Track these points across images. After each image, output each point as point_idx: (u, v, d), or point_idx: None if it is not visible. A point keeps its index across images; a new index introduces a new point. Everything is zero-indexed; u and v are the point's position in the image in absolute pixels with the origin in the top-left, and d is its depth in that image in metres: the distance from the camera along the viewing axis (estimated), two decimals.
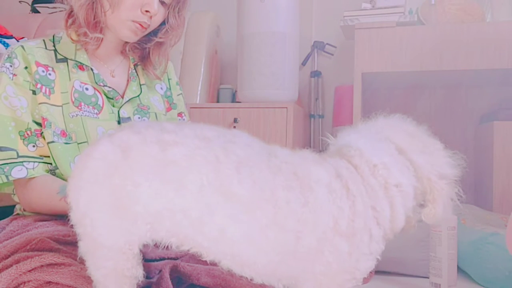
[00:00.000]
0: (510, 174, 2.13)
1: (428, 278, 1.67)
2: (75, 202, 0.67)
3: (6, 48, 2.00)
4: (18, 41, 2.12)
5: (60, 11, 0.93)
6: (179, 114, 1.21)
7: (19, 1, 3.18)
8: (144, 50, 1.12)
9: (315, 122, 2.79)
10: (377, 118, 0.78)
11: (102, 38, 1.05)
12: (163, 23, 1.06)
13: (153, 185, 0.63)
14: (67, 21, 1.04)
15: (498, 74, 2.24)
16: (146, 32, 1.05)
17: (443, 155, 0.74)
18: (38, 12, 3.07)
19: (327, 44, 2.78)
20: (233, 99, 2.73)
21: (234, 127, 2.33)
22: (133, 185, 0.63)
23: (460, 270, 1.74)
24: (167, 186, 0.63)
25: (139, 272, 0.70)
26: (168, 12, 1.05)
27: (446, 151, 0.75)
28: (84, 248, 0.69)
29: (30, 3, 3.10)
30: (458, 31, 2.17)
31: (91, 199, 0.65)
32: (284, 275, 0.67)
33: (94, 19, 1.00)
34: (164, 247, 0.67)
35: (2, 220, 1.02)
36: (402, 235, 0.74)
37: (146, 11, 0.99)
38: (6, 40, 2.07)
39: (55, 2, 1.06)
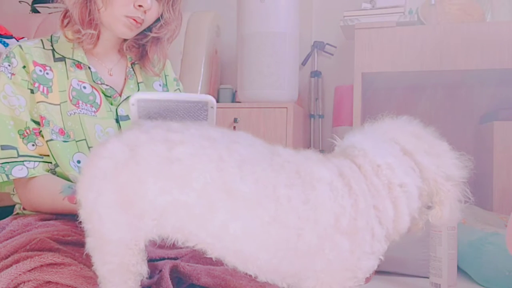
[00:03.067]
0: (510, 174, 2.13)
1: (428, 278, 1.67)
2: (84, 199, 0.68)
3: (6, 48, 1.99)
4: (18, 41, 2.12)
5: (60, 11, 0.93)
6: None
7: (19, 1, 3.18)
8: (141, 48, 1.12)
9: (315, 122, 2.79)
10: (383, 119, 0.78)
11: (99, 37, 1.05)
12: (158, 19, 1.07)
13: (158, 182, 0.64)
14: (62, 21, 1.05)
15: (498, 74, 2.24)
16: (142, 28, 1.05)
17: (450, 156, 0.73)
18: (38, 12, 3.06)
19: (327, 44, 2.78)
20: (233, 99, 2.73)
21: (234, 127, 2.33)
22: (139, 182, 0.65)
23: (460, 270, 1.74)
24: (172, 183, 0.64)
25: (144, 269, 0.71)
26: (163, 7, 1.05)
27: (452, 153, 0.74)
28: (91, 244, 0.70)
29: (30, 3, 3.10)
30: (458, 31, 2.17)
31: (99, 195, 0.67)
32: (287, 272, 0.68)
33: (88, 16, 1.01)
34: (171, 244, 0.68)
35: (2, 220, 1.02)
36: (408, 236, 0.74)
37: (139, 5, 0.99)
38: (6, 40, 2.07)
39: (55, 2, 1.06)
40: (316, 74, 2.77)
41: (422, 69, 2.20)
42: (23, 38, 2.22)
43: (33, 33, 2.71)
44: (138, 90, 1.11)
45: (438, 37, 2.18)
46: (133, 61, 1.13)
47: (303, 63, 2.78)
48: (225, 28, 2.84)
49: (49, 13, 2.93)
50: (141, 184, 0.65)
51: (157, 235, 0.68)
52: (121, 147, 0.67)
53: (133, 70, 1.13)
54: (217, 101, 2.74)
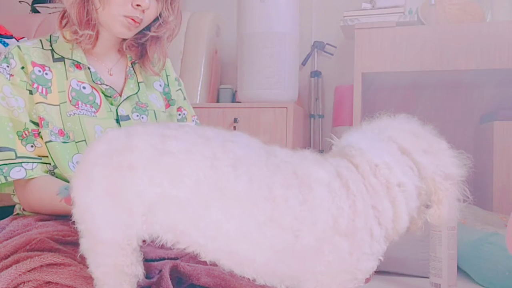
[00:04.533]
0: (510, 174, 2.13)
1: (428, 278, 1.67)
2: (76, 187, 0.68)
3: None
4: (18, 41, 2.12)
5: (60, 11, 0.92)
6: (178, 109, 1.20)
7: (19, 1, 3.18)
8: (141, 47, 1.11)
9: (315, 122, 2.79)
10: (381, 118, 0.77)
11: (98, 37, 1.04)
12: (157, 18, 1.06)
13: (147, 171, 0.64)
14: (61, 22, 1.04)
15: (498, 74, 2.24)
16: (140, 28, 1.04)
17: (448, 155, 0.73)
18: (38, 12, 3.07)
19: (327, 44, 2.78)
20: (233, 99, 2.73)
21: (234, 127, 2.33)
22: (129, 168, 0.64)
23: (460, 270, 1.74)
24: (162, 175, 0.64)
25: (139, 270, 0.70)
26: (161, 6, 1.05)
27: (451, 151, 0.74)
28: (85, 245, 0.69)
29: (30, 3, 3.10)
30: (458, 31, 2.17)
31: (90, 181, 0.66)
32: (285, 275, 0.67)
33: (86, 16, 1.00)
34: (163, 245, 0.67)
35: (2, 220, 1.02)
36: (406, 235, 0.73)
37: (137, 5, 0.99)
38: (6, 40, 2.07)
39: (55, 2, 1.06)
40: (316, 74, 2.77)
41: (422, 69, 2.20)
42: (23, 38, 2.22)
43: (33, 33, 2.72)
44: (139, 89, 1.11)
45: (438, 37, 2.18)
46: (133, 60, 1.13)
47: (303, 63, 2.78)
48: (225, 28, 2.84)
49: (49, 13, 2.93)
50: (131, 171, 0.64)
51: (148, 233, 0.67)
52: (118, 134, 0.68)
53: (133, 69, 1.12)
54: (217, 101, 2.74)
